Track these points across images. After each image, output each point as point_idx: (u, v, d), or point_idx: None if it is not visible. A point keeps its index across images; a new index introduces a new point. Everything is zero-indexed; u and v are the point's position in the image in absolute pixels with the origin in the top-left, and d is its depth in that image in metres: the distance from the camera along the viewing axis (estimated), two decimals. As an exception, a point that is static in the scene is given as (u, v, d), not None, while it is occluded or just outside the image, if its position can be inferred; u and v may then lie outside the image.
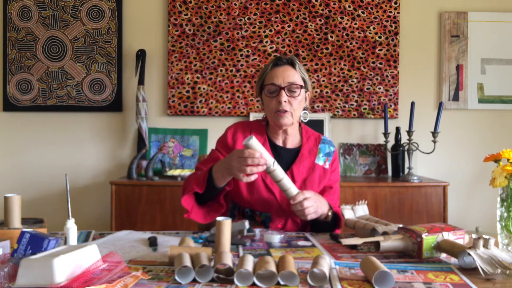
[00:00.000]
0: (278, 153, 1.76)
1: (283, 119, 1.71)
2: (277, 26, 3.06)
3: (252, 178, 1.52)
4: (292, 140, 1.79)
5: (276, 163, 1.53)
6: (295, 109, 1.71)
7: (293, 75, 1.71)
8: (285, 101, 1.69)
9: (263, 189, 1.71)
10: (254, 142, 1.48)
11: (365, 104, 3.08)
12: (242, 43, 3.05)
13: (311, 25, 3.07)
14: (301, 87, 1.72)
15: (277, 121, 1.72)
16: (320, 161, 1.77)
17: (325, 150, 1.80)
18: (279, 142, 1.78)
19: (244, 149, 1.49)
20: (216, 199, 1.65)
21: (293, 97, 1.70)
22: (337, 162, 1.85)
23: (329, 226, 1.69)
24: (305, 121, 1.79)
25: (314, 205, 1.57)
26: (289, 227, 1.71)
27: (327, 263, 1.09)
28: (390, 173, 3.07)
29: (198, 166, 1.77)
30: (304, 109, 1.79)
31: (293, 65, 1.73)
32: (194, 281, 1.05)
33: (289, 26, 3.06)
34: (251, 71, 3.05)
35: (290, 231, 1.69)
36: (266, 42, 3.06)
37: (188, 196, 1.61)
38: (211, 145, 2.98)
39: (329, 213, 1.65)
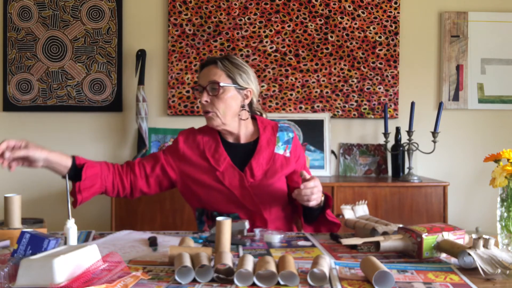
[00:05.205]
0: (232, 150, 1.75)
1: (209, 120, 1.70)
2: (277, 26, 3.06)
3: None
4: (245, 135, 1.77)
5: None
6: (220, 109, 1.68)
7: (214, 73, 1.69)
8: (206, 101, 1.68)
9: (223, 190, 1.70)
10: None
11: (365, 104, 3.08)
12: (242, 43, 3.05)
13: (311, 25, 3.07)
14: (221, 84, 1.67)
15: (207, 122, 1.72)
16: (280, 150, 1.76)
17: (284, 138, 1.78)
18: (231, 139, 1.77)
19: None
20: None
21: (215, 96, 1.68)
22: (300, 147, 1.83)
23: (320, 210, 1.69)
24: (244, 119, 1.75)
25: (320, 193, 1.59)
26: (258, 224, 1.70)
27: (327, 263, 1.09)
28: (390, 173, 3.07)
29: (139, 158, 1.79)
30: (245, 107, 1.74)
31: (216, 63, 1.70)
32: (194, 281, 1.05)
33: (289, 26, 3.06)
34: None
35: (261, 227, 1.67)
36: (266, 42, 3.06)
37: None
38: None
39: (322, 198, 1.65)
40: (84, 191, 1.61)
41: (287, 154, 1.77)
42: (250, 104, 1.79)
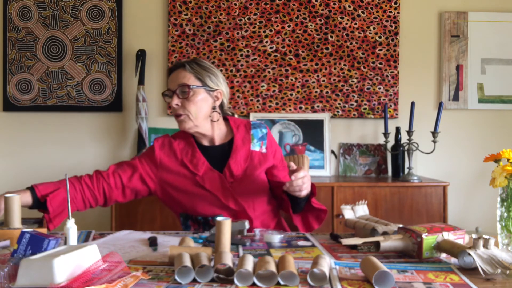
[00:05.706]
0: (209, 153, 1.75)
1: (181, 123, 1.70)
2: (277, 26, 3.06)
3: None
4: (219, 136, 1.78)
5: None
6: (192, 111, 1.68)
7: (183, 76, 1.69)
8: (177, 104, 1.68)
9: (204, 194, 1.70)
10: None
11: (365, 104, 3.08)
12: (242, 43, 3.05)
13: (311, 25, 3.07)
14: (191, 87, 1.67)
15: (179, 126, 1.71)
16: (256, 147, 1.76)
17: (258, 134, 1.79)
18: (206, 142, 1.77)
19: None
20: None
21: (185, 99, 1.68)
22: (274, 142, 1.84)
23: (306, 199, 1.69)
24: (215, 121, 1.74)
25: (309, 182, 1.61)
26: None
27: (327, 263, 1.09)
28: (390, 173, 3.07)
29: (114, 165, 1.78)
30: (217, 109, 1.74)
31: (184, 66, 1.70)
32: (194, 281, 1.05)
33: (289, 26, 3.06)
34: (251, 71, 3.05)
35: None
36: (266, 42, 3.06)
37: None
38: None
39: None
40: (54, 220, 1.60)
41: (264, 150, 1.77)
42: (222, 106, 1.80)
